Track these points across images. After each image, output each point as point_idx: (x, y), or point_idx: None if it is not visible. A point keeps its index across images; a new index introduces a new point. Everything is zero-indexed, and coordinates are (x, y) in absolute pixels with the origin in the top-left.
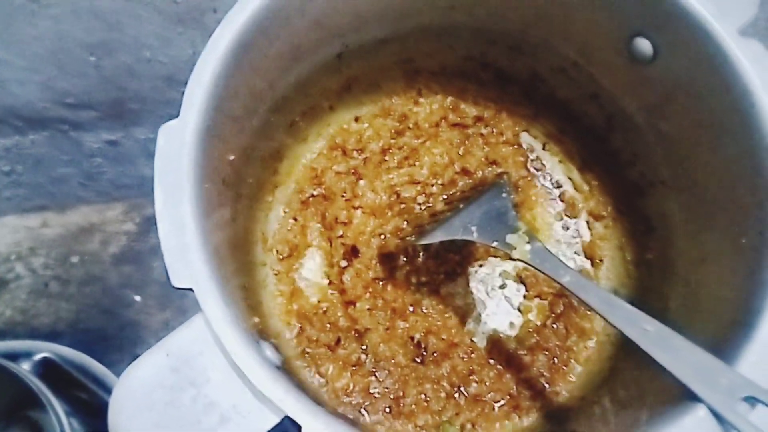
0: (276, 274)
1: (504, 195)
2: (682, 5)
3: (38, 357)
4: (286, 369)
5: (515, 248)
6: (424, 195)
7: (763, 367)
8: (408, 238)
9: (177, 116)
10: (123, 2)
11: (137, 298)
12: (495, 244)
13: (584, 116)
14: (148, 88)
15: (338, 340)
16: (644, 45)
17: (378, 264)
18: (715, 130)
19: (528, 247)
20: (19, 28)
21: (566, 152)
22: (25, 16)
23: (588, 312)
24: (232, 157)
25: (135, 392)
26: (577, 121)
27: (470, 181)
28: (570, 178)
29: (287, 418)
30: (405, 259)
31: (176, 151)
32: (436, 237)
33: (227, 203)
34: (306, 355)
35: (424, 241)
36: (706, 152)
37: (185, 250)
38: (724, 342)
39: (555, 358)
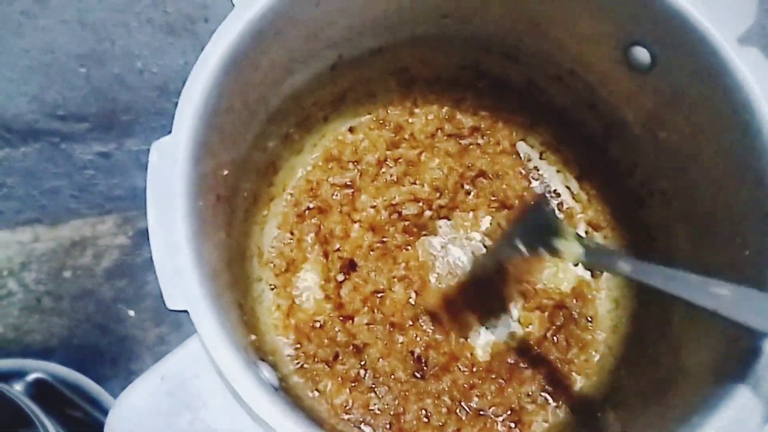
0: (272, 289)
1: (546, 208)
2: (680, 14)
3: (31, 378)
4: (284, 388)
5: (564, 252)
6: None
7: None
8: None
9: (169, 127)
10: (113, 13)
11: (131, 312)
12: (544, 252)
13: (582, 125)
14: (139, 98)
15: (336, 356)
16: (642, 54)
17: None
18: (714, 139)
19: (580, 249)
20: (7, 40)
21: (564, 161)
22: (13, 27)
23: (589, 325)
24: (226, 172)
25: (130, 418)
26: (575, 130)
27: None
28: (568, 188)
29: None
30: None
31: (169, 168)
32: (488, 263)
33: (222, 218)
34: (304, 371)
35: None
36: (705, 161)
37: (179, 271)
38: (727, 354)
39: (556, 371)
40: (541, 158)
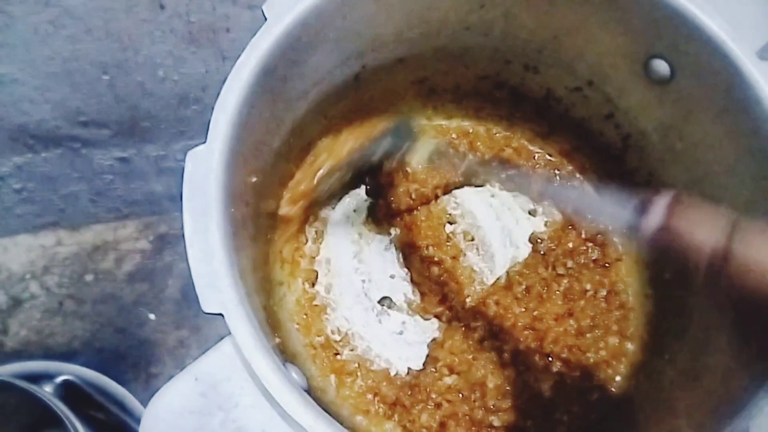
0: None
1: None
2: (700, 27)
3: (60, 379)
4: (311, 390)
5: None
6: None
7: None
8: None
9: (189, 134)
10: (138, 21)
11: (152, 316)
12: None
13: (599, 135)
14: (160, 106)
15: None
16: (661, 66)
17: None
18: (732, 151)
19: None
20: (34, 47)
21: (581, 170)
22: (39, 36)
23: None
24: (254, 179)
25: (165, 418)
26: (592, 140)
27: None
28: None
29: None
30: None
31: (203, 176)
32: None
33: (249, 224)
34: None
35: None
36: (723, 174)
37: (215, 276)
38: (747, 363)
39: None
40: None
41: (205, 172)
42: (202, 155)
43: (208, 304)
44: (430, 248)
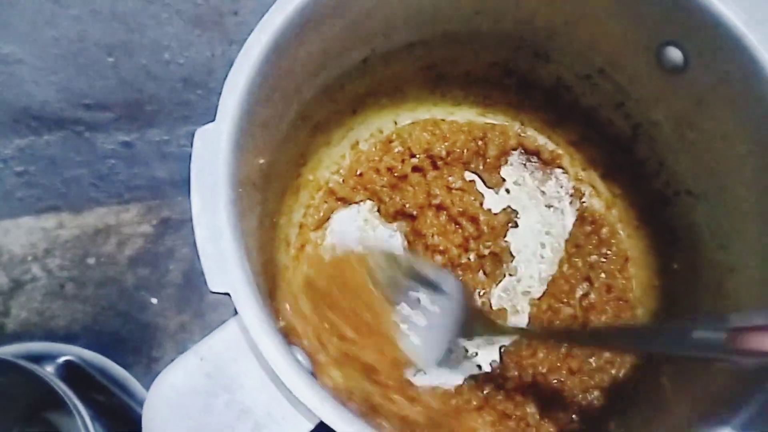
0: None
1: None
2: (714, 14)
3: (62, 360)
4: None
5: None
6: None
7: None
8: None
9: (193, 118)
10: (144, 3)
11: (153, 300)
12: None
13: (609, 124)
14: (164, 89)
15: None
16: (675, 54)
17: None
18: (745, 140)
19: None
20: (40, 29)
21: (589, 160)
22: (45, 16)
23: None
24: (262, 161)
25: (169, 397)
26: (601, 129)
27: None
28: (592, 186)
29: (320, 423)
30: None
31: (212, 155)
32: None
33: (256, 207)
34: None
35: None
36: (735, 162)
37: (222, 256)
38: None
39: None
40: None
41: (213, 151)
42: (210, 134)
43: (215, 284)
44: (435, 237)
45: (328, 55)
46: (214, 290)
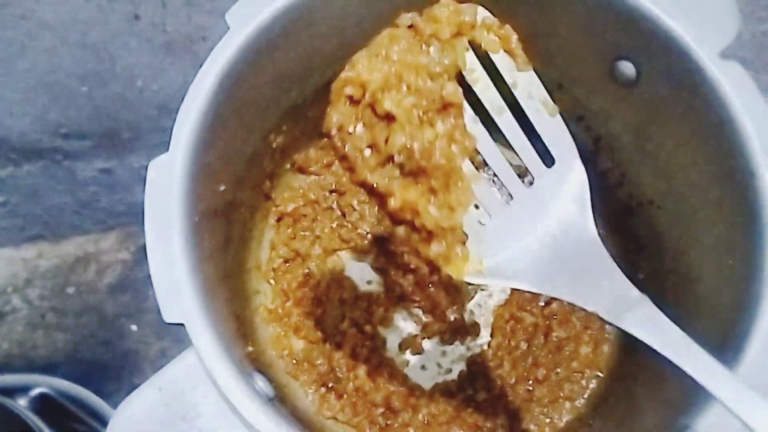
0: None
1: None
2: (663, 29)
3: (35, 392)
4: (280, 398)
5: None
6: None
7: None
8: None
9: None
10: (113, 34)
11: (134, 327)
12: None
13: (572, 137)
14: (140, 116)
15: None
16: (627, 68)
17: None
18: (699, 151)
19: None
20: (12, 61)
21: None
22: (17, 49)
23: None
24: (223, 188)
25: (129, 429)
26: None
27: None
28: None
29: None
30: None
31: (166, 186)
32: None
33: (219, 233)
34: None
35: None
36: (692, 172)
37: (176, 285)
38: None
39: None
40: None
41: (167, 181)
42: (164, 164)
43: (169, 314)
44: (405, 256)
45: (289, 79)
46: (168, 320)
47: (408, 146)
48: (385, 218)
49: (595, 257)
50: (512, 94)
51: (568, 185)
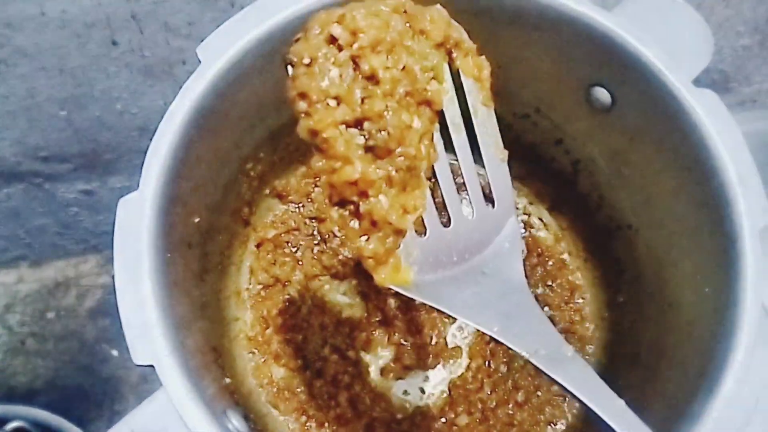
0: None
1: None
2: (636, 57)
3: (11, 426)
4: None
5: None
6: None
7: (724, 424)
8: None
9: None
10: (90, 59)
11: (114, 352)
12: None
13: (551, 160)
14: (121, 138)
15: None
16: (602, 94)
17: None
18: (675, 176)
19: None
20: None
21: (536, 193)
22: None
23: None
24: (197, 219)
25: None
26: (544, 165)
27: None
28: (540, 219)
29: None
30: None
31: (135, 224)
32: None
33: (194, 265)
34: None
35: None
36: (668, 198)
37: (146, 327)
38: (690, 395)
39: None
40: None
41: (136, 221)
42: (133, 203)
43: (138, 356)
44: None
45: (264, 109)
46: (138, 363)
47: (384, 117)
48: None
49: (524, 305)
50: (470, 119)
51: (504, 231)
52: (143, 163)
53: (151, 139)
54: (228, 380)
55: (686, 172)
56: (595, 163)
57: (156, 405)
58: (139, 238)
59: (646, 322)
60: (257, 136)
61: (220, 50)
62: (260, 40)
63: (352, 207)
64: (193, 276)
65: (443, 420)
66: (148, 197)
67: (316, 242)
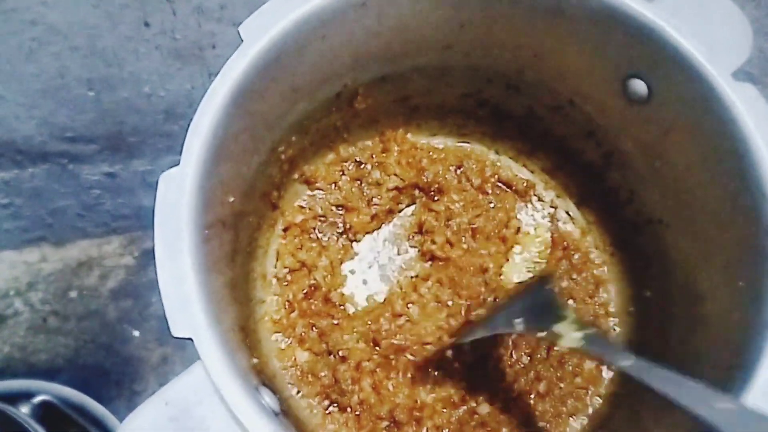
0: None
1: (548, 288)
2: (676, 48)
3: (37, 400)
4: (285, 412)
5: (563, 337)
6: None
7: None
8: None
9: (175, 148)
10: (122, 39)
11: (136, 333)
12: (541, 334)
13: (581, 153)
14: (146, 121)
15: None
16: (639, 86)
17: None
18: (710, 170)
19: (579, 334)
20: (19, 65)
21: (564, 187)
22: (24, 53)
23: None
24: (232, 199)
25: None
26: (574, 157)
27: None
28: (568, 213)
29: None
30: None
31: (176, 200)
32: (479, 333)
33: (227, 244)
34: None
35: (468, 338)
36: (702, 191)
37: (185, 300)
38: (722, 387)
39: None
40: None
41: (177, 196)
42: (175, 178)
43: (177, 329)
44: None
45: (299, 92)
46: (176, 335)
47: None
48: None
49: None
50: None
51: None
52: (167, 147)
53: (176, 124)
54: (255, 360)
55: (721, 165)
56: (627, 156)
57: (191, 378)
58: (180, 213)
59: (674, 316)
60: (290, 120)
61: (263, 29)
62: (299, 21)
63: None
64: (225, 255)
65: (464, 408)
66: (189, 173)
67: (340, 231)
